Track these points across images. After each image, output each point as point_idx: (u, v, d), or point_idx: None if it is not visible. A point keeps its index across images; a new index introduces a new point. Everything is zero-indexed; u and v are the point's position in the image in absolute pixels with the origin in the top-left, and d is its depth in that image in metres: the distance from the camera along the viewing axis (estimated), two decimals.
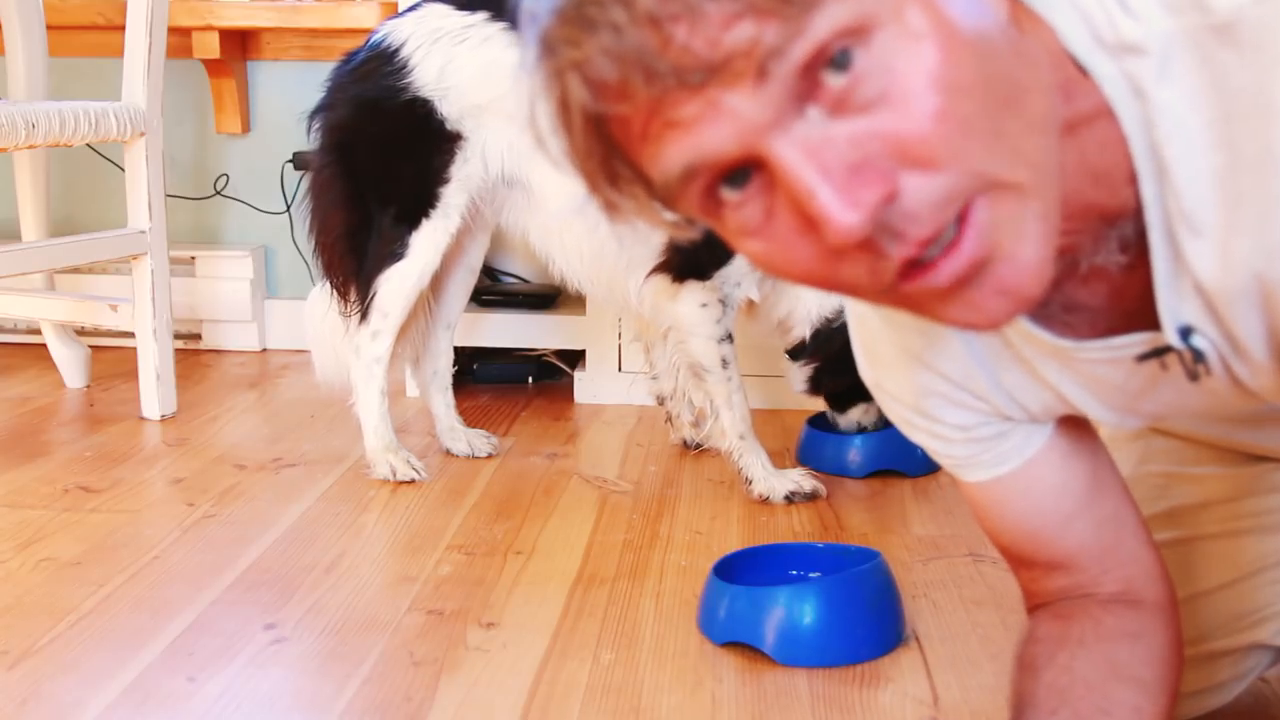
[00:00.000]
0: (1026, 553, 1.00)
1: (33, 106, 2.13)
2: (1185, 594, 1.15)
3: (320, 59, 2.84)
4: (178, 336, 2.77)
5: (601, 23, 0.63)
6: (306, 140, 2.05)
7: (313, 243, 2.07)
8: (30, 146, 2.12)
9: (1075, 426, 0.96)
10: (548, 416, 2.46)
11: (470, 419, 2.27)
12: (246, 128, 3.03)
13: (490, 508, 1.92)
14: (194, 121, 3.04)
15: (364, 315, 2.02)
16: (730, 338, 1.97)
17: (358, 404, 2.06)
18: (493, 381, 2.71)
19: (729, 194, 0.67)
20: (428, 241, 1.98)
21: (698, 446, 2.17)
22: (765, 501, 1.94)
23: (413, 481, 2.02)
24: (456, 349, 2.23)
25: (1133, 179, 0.74)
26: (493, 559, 1.71)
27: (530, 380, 2.73)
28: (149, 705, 1.31)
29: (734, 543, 1.77)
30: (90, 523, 1.82)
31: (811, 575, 1.55)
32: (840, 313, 1.95)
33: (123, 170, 2.38)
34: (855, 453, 2.07)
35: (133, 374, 2.43)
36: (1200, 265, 0.73)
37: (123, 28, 2.31)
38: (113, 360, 2.79)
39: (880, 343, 0.95)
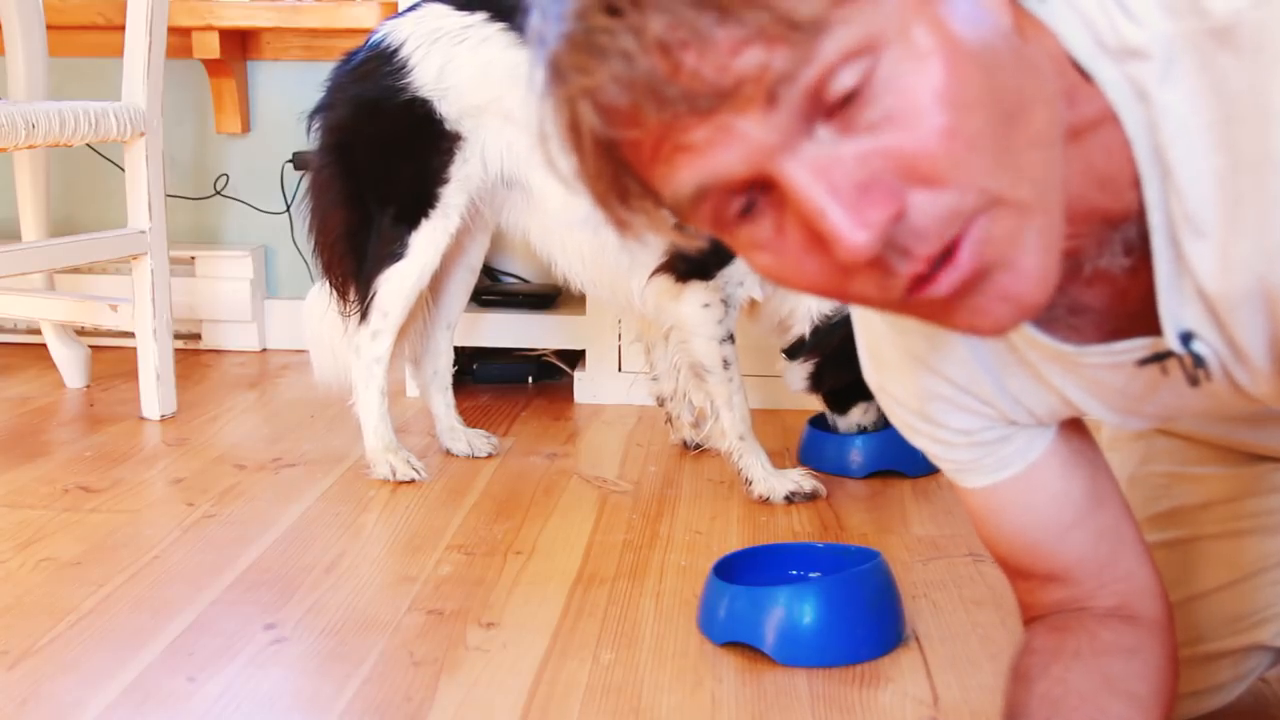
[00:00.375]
0: (1025, 563, 1.00)
1: (33, 106, 2.13)
2: (1186, 594, 1.16)
3: (320, 59, 2.84)
4: (178, 336, 2.77)
5: (612, 50, 0.63)
6: (306, 140, 2.05)
7: (312, 243, 2.07)
8: (30, 146, 2.12)
9: (1076, 436, 0.97)
10: (548, 416, 2.46)
11: (470, 419, 2.27)
12: (246, 128, 3.03)
13: (490, 508, 1.92)
14: (194, 121, 3.04)
15: (364, 315, 2.02)
16: (732, 338, 1.97)
17: (358, 404, 2.06)
18: (493, 381, 2.71)
19: (741, 213, 0.68)
20: (427, 241, 1.98)
21: (697, 447, 2.17)
22: (765, 502, 1.94)
23: (413, 481, 2.02)
24: (456, 349, 2.23)
25: (1136, 182, 0.74)
26: (493, 559, 1.71)
27: (530, 380, 2.73)
28: (149, 705, 1.31)
29: (734, 543, 1.77)
30: (90, 523, 1.82)
31: (811, 575, 1.55)
32: (839, 309, 1.95)
33: (123, 170, 2.37)
34: (856, 453, 2.07)
35: (133, 374, 2.43)
36: (1202, 268, 0.73)
37: (123, 28, 2.31)
38: (113, 360, 2.78)
39: (885, 347, 0.96)
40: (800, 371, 2.06)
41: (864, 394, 1.98)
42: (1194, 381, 0.79)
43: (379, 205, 1.99)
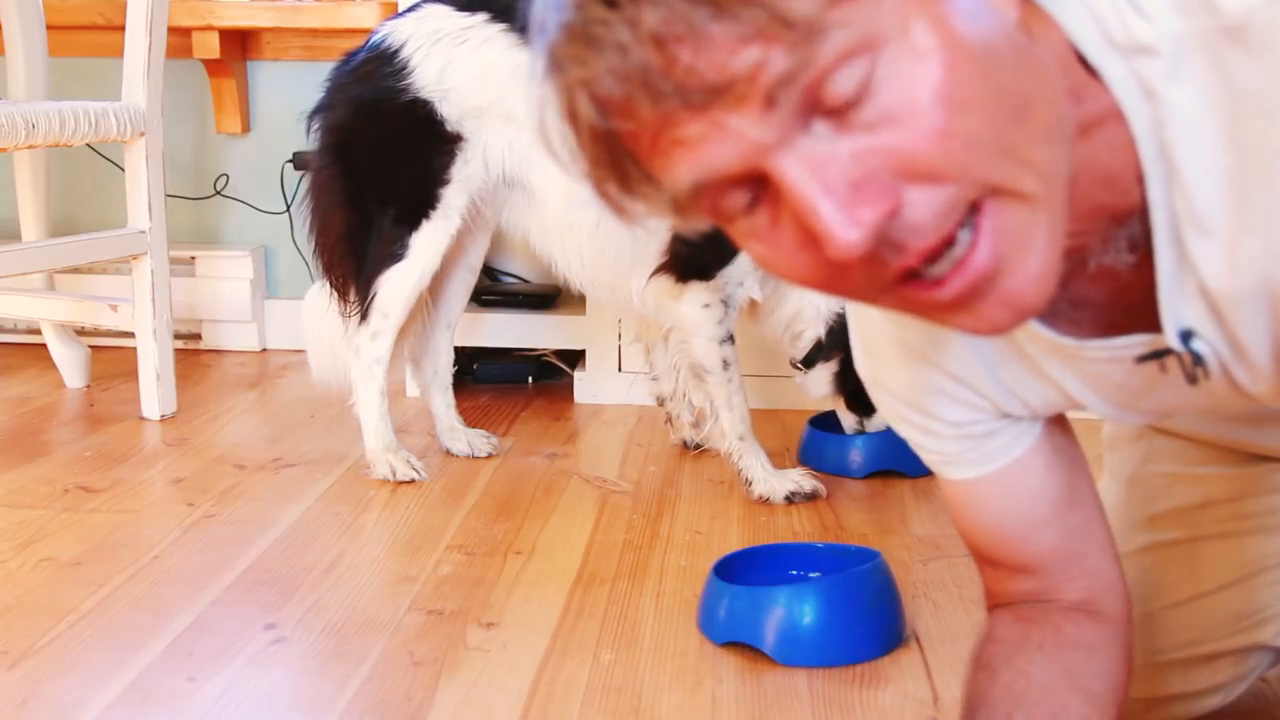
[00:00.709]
0: (997, 553, 1.01)
1: (33, 106, 2.13)
2: (1187, 594, 1.16)
3: (320, 59, 2.84)
4: (178, 336, 2.77)
5: (607, 42, 0.63)
6: (306, 140, 2.05)
7: (313, 243, 2.07)
8: (30, 146, 2.12)
9: (1059, 434, 0.97)
10: (548, 416, 2.46)
11: (470, 419, 2.27)
12: (246, 128, 3.03)
13: (490, 508, 1.92)
14: (194, 121, 3.04)
15: (364, 316, 2.02)
16: (731, 339, 1.97)
17: (357, 404, 2.06)
18: (493, 381, 2.71)
19: (738, 206, 0.68)
20: (428, 242, 1.98)
21: (697, 447, 2.17)
22: (765, 502, 1.94)
23: (413, 481, 2.02)
24: (456, 349, 2.23)
25: (1141, 179, 0.74)
26: (493, 559, 1.71)
27: (530, 380, 2.73)
28: (149, 705, 1.31)
29: (734, 543, 1.77)
30: (90, 523, 1.82)
31: (811, 575, 1.55)
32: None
33: (123, 170, 2.38)
34: (856, 453, 2.07)
35: (133, 374, 2.43)
36: (1206, 267, 0.73)
37: (123, 28, 2.31)
38: (113, 360, 2.78)
39: (880, 338, 0.96)
40: (823, 374, 2.05)
41: None
42: (1192, 380, 0.79)
43: (379, 206, 1.99)
